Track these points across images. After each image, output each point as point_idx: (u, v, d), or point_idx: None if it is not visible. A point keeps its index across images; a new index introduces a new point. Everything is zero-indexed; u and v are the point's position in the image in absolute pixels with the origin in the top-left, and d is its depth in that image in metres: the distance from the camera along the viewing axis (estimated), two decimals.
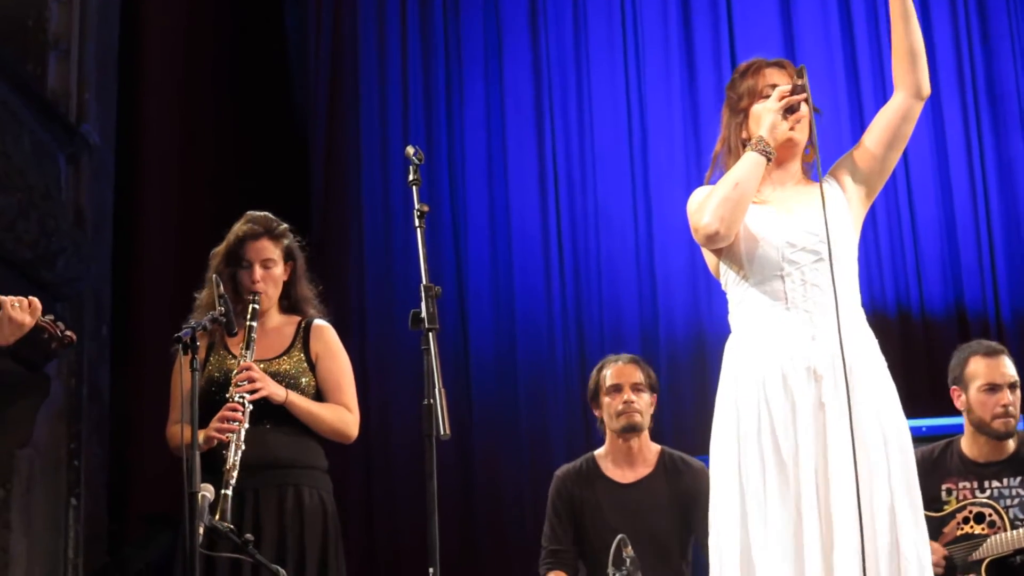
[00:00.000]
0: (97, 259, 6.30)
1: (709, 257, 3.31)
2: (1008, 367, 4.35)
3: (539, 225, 6.96)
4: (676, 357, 6.69)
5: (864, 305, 3.25)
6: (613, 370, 4.59)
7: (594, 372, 4.67)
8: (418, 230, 3.18)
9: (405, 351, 6.55)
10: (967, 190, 6.76)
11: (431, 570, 2.90)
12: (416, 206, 3.21)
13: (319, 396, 3.90)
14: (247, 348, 3.76)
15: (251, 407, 3.67)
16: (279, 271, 3.95)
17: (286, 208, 4.27)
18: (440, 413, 2.95)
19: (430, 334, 3.04)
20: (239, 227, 3.96)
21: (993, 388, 4.31)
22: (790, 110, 3.21)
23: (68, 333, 3.31)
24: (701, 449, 3.69)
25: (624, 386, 4.54)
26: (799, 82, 3.23)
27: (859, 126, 6.47)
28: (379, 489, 6.71)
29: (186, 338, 3.31)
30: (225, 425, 3.63)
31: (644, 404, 4.55)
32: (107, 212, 6.46)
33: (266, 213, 4.02)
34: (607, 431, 4.60)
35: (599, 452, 4.64)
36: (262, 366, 3.80)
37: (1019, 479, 4.32)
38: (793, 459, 3.04)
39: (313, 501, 3.80)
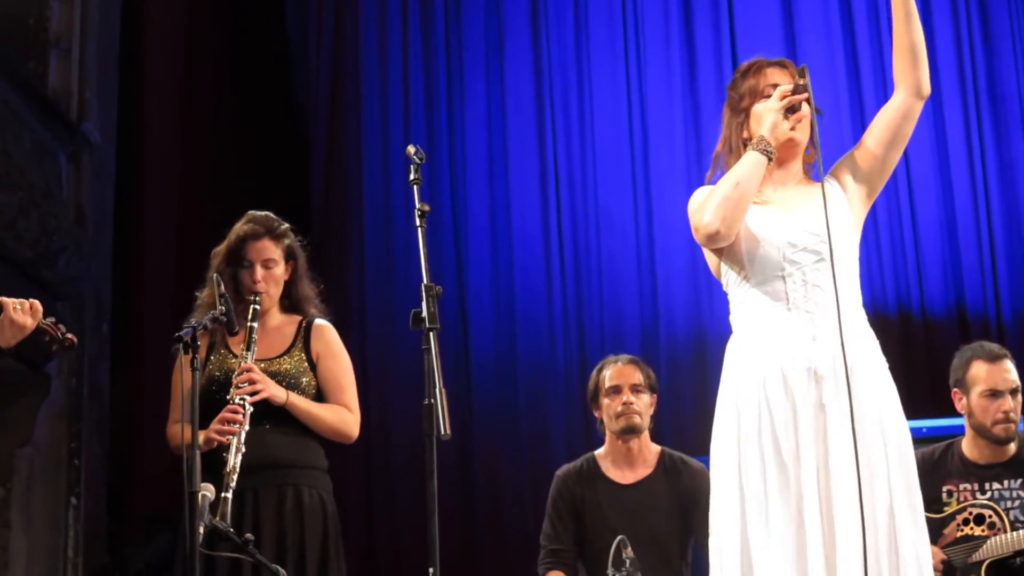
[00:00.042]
0: (98, 258, 6.30)
1: (710, 258, 3.31)
2: (1010, 372, 4.34)
3: (540, 225, 6.96)
4: (676, 357, 6.68)
5: (864, 305, 3.25)
6: (612, 371, 4.58)
7: (594, 373, 4.66)
8: (419, 229, 3.18)
9: (405, 351, 6.55)
10: (968, 190, 6.76)
11: (431, 570, 2.90)
12: (417, 205, 3.20)
13: (320, 396, 3.90)
14: (248, 349, 3.76)
15: (251, 409, 3.67)
16: (280, 271, 3.94)
17: (286, 207, 4.27)
18: (441, 413, 2.94)
19: (431, 333, 3.03)
20: (240, 227, 3.95)
21: (995, 394, 4.30)
22: (791, 110, 3.21)
23: (69, 336, 3.31)
24: (701, 450, 3.69)
25: (623, 387, 4.53)
26: (801, 82, 3.22)
27: (860, 126, 6.47)
28: (379, 489, 6.71)
29: (187, 337, 3.31)
30: (225, 427, 3.63)
31: (643, 405, 4.54)
32: (108, 211, 6.46)
33: (267, 213, 4.02)
34: (607, 432, 4.59)
35: (599, 452, 4.63)
36: (263, 365, 3.80)
37: (1020, 481, 4.32)
38: (794, 460, 3.04)
39: (313, 501, 3.80)
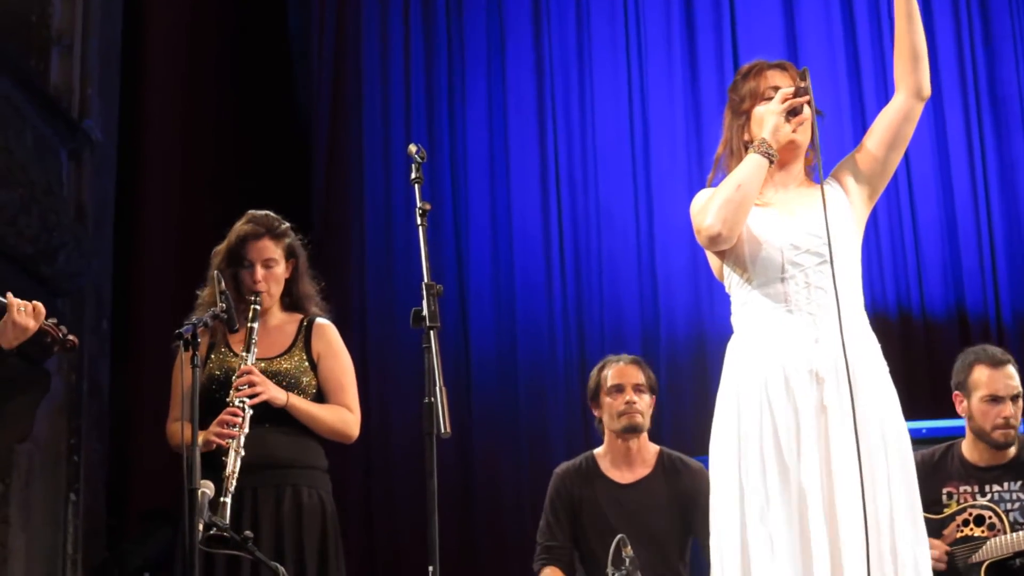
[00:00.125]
0: (98, 255, 6.30)
1: (713, 260, 3.31)
2: (1012, 379, 4.33)
3: (540, 224, 6.96)
4: (677, 357, 6.69)
5: (865, 306, 3.25)
6: (615, 370, 4.58)
7: (595, 371, 4.66)
8: (420, 228, 3.18)
9: (406, 349, 6.55)
10: (968, 192, 6.76)
11: (431, 569, 2.90)
12: (418, 204, 3.20)
13: (320, 395, 3.89)
14: (247, 350, 3.74)
15: (251, 412, 3.66)
16: (281, 270, 3.94)
17: (287, 206, 4.26)
18: (441, 411, 2.94)
19: (431, 332, 3.03)
20: (240, 226, 3.94)
21: (996, 399, 4.29)
22: (793, 112, 3.21)
23: (71, 337, 3.31)
24: (700, 450, 3.69)
25: (626, 387, 4.53)
26: (802, 84, 3.23)
27: (861, 127, 6.47)
28: (379, 489, 6.71)
29: (187, 334, 3.30)
30: (224, 430, 3.61)
31: (645, 405, 4.55)
32: (108, 208, 6.47)
33: (268, 212, 4.01)
34: (606, 431, 4.59)
35: (598, 451, 4.63)
36: (263, 365, 3.79)
37: (1020, 483, 4.31)
38: (796, 461, 3.04)
39: (312, 501, 3.79)
